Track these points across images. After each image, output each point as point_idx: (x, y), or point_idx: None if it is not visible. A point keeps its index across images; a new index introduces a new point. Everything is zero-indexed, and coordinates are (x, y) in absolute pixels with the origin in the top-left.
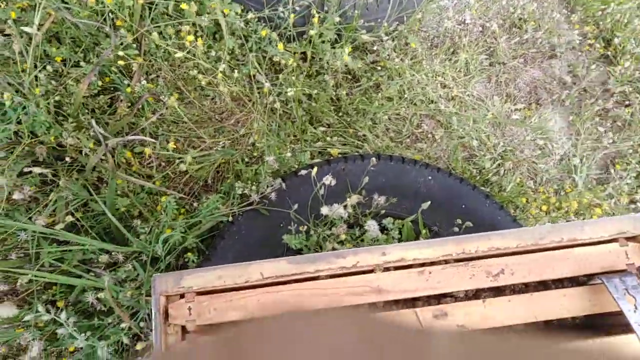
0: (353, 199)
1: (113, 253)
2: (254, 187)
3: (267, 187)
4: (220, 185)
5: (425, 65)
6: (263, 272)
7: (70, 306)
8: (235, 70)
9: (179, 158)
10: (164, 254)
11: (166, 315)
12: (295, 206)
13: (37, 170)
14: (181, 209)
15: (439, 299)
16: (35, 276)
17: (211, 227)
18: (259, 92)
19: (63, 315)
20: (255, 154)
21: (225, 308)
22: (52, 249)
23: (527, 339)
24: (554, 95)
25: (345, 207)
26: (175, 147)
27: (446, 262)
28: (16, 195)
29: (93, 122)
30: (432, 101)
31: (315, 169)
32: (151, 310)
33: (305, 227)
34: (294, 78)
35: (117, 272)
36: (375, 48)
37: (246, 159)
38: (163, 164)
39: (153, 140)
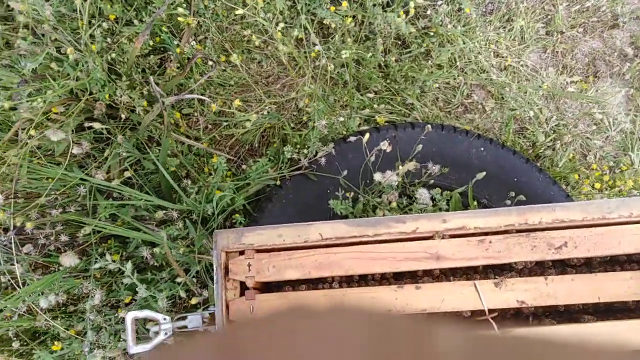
0: (410, 165)
1: (167, 210)
2: (304, 151)
3: (316, 152)
4: (265, 149)
5: (479, 33)
6: (322, 233)
7: (124, 261)
8: (285, 33)
9: (226, 121)
10: (217, 212)
11: (226, 270)
12: (345, 172)
13: (97, 125)
14: (228, 172)
15: (498, 272)
16: (97, 228)
17: (257, 190)
18: (306, 56)
19: (129, 266)
20: (302, 119)
21: (284, 266)
22: (109, 203)
23: (537, 337)
24: (614, 67)
25: (397, 174)
26: (222, 110)
27: (507, 232)
28: (75, 150)
29: (151, 79)
30: (483, 70)
31: (368, 135)
32: (203, 267)
33: (352, 193)
34: (342, 43)
35: (169, 229)
36: (428, 13)
37: (291, 125)
38: (210, 126)
39: (209, 99)
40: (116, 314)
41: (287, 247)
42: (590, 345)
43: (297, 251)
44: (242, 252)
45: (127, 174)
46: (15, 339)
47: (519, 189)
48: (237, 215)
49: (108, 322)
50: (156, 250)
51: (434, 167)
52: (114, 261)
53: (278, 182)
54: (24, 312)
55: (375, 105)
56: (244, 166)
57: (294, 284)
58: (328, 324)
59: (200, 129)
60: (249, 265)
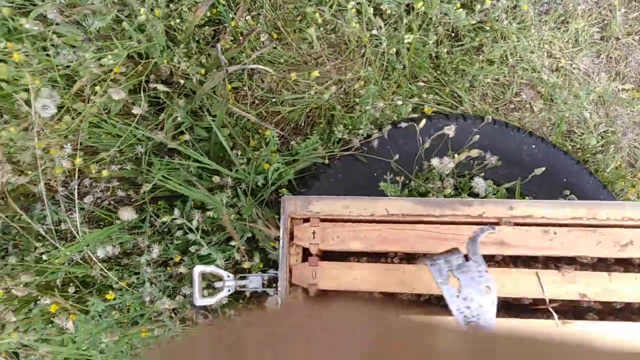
0: (473, 152)
1: (222, 176)
2: (359, 132)
3: (368, 134)
4: (310, 129)
5: (533, 32)
6: (388, 208)
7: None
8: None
9: (273, 97)
10: (270, 183)
11: (290, 236)
12: (396, 156)
13: (161, 87)
14: (274, 147)
15: (558, 264)
16: (155, 186)
17: (302, 168)
18: (357, 41)
19: (195, 222)
20: (349, 101)
21: (348, 237)
22: (165, 163)
23: (539, 337)
24: None
25: (454, 161)
26: (270, 87)
27: (572, 225)
28: (135, 110)
29: (219, 46)
30: (535, 70)
31: (424, 121)
32: (252, 234)
33: (402, 178)
34: (394, 30)
35: (221, 195)
36: (485, 7)
37: (338, 107)
38: (257, 101)
39: (272, 71)
40: (165, 271)
41: (352, 219)
42: (594, 346)
43: (362, 224)
44: (306, 220)
45: (185, 136)
46: (71, 284)
47: (568, 189)
48: (283, 189)
49: (158, 278)
50: (209, 213)
51: (491, 158)
52: (180, 217)
53: (326, 161)
54: (80, 260)
55: (424, 95)
56: (292, 142)
57: (357, 256)
58: (329, 323)
59: (247, 103)
60: (314, 232)
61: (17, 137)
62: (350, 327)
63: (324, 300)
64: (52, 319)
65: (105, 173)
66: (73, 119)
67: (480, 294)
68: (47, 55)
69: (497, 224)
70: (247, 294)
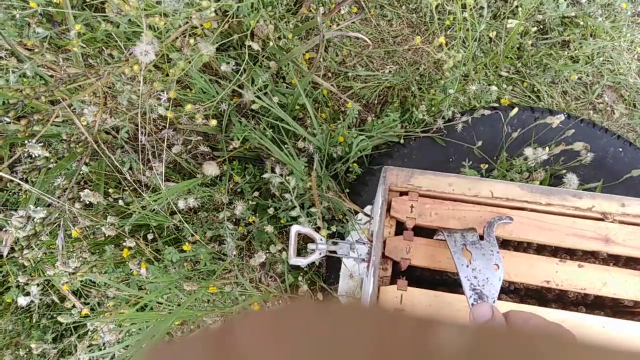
0: (577, 145)
1: (306, 142)
2: (443, 114)
3: (449, 118)
4: (381, 107)
5: (626, 32)
6: (493, 190)
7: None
8: None
9: (348, 72)
10: (353, 152)
11: (388, 208)
12: (479, 143)
13: (255, 46)
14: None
15: None
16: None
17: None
18: (439, 23)
19: (292, 182)
20: (424, 83)
21: (447, 216)
22: (244, 124)
23: (543, 335)
24: None
25: (548, 153)
26: (344, 62)
27: None
28: (224, 67)
29: (320, 10)
30: (621, 72)
31: (516, 109)
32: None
33: (486, 165)
34: (479, 17)
35: (300, 161)
36: (582, 0)
37: (413, 88)
38: (329, 74)
39: (367, 39)
40: (237, 230)
41: (454, 197)
42: (598, 345)
43: (462, 203)
44: (404, 193)
45: (275, 99)
46: (150, 231)
47: None
48: (354, 164)
49: (233, 236)
50: (289, 178)
51: (587, 155)
52: (280, 175)
53: (402, 141)
54: (160, 209)
55: (503, 86)
56: (368, 118)
57: None
58: (331, 322)
59: (320, 75)
60: (412, 206)
61: (117, 79)
62: (353, 328)
63: (325, 301)
64: (123, 264)
65: (214, 122)
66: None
67: (489, 269)
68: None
69: (601, 219)
70: (316, 262)
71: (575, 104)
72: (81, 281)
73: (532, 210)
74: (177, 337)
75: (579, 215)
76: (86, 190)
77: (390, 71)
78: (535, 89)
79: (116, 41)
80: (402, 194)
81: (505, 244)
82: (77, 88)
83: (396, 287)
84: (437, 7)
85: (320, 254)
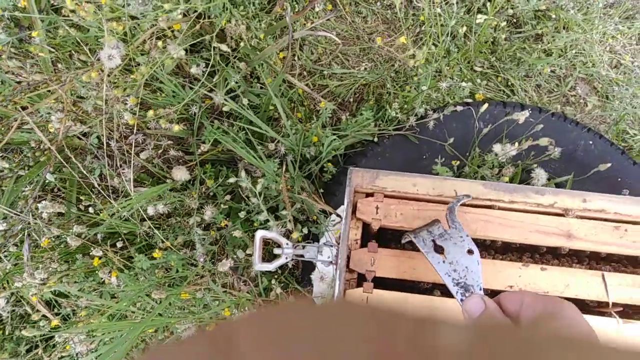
0: (542, 141)
1: (277, 144)
2: (415, 111)
3: (421, 115)
4: (356, 106)
5: (598, 24)
6: (457, 189)
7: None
8: None
9: (323, 70)
10: (324, 152)
11: (354, 209)
12: (451, 140)
13: (224, 47)
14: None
15: (631, 265)
16: (211, 147)
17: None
18: (413, 19)
19: (259, 187)
20: (399, 80)
21: (412, 216)
22: (215, 127)
23: (544, 333)
24: None
25: (517, 149)
26: (319, 60)
27: None
28: (193, 69)
29: (289, 8)
30: (594, 64)
31: (486, 105)
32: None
33: (458, 163)
34: (451, 11)
35: (271, 163)
36: None
37: (388, 85)
38: (304, 73)
39: (336, 38)
40: (208, 235)
41: (418, 197)
42: (600, 343)
43: (427, 203)
44: (370, 194)
45: (244, 100)
46: (120, 239)
47: (622, 189)
48: (329, 164)
49: (203, 242)
50: (261, 180)
51: (555, 150)
52: (254, 177)
53: (376, 139)
54: (129, 216)
55: (477, 81)
56: (343, 117)
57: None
58: (329, 322)
59: (295, 74)
60: (377, 207)
61: (81, 85)
62: (351, 326)
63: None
64: (94, 273)
65: (176, 128)
66: (150, 68)
67: (464, 256)
68: (119, 5)
69: (562, 215)
70: (289, 265)
71: (549, 97)
72: (53, 292)
73: (494, 208)
74: (177, 339)
75: (542, 212)
76: (44, 202)
77: (365, 68)
78: (510, 83)
79: (87, 45)
80: (368, 195)
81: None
82: (40, 95)
83: (362, 289)
84: (410, 2)
85: (286, 258)
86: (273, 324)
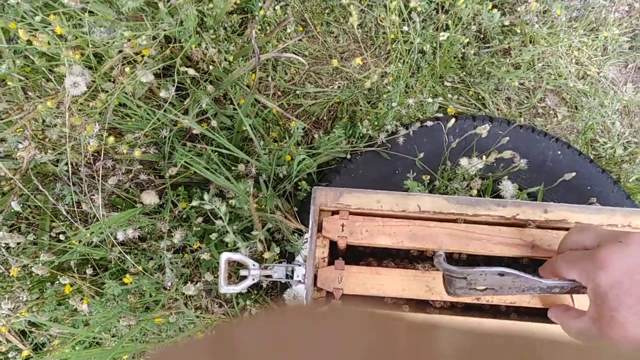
0: (505, 154)
1: (247, 165)
2: (382, 128)
3: (392, 131)
4: (331, 123)
5: (563, 37)
6: (421, 205)
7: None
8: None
9: (297, 89)
10: (294, 174)
11: (319, 228)
12: (421, 155)
13: (191, 72)
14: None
15: None
16: (171, 173)
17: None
18: (383, 37)
19: (223, 208)
20: (372, 98)
21: (377, 232)
22: (188, 149)
23: (542, 337)
24: None
25: (484, 162)
26: (292, 80)
27: None
28: (162, 94)
29: (253, 32)
30: (561, 76)
31: (454, 120)
32: (278, 224)
33: (428, 177)
34: (422, 29)
35: (242, 184)
36: (518, 9)
37: (360, 103)
38: (279, 93)
39: (302, 60)
40: (182, 258)
41: (383, 214)
42: (599, 347)
43: (392, 219)
44: (336, 212)
45: (212, 122)
46: (88, 266)
47: (590, 197)
48: (303, 182)
49: (175, 265)
50: (232, 202)
51: (521, 161)
52: (209, 202)
53: (348, 156)
54: (99, 242)
55: (448, 95)
56: (316, 135)
57: (378, 258)
58: (328, 325)
59: (269, 94)
60: (343, 225)
61: (46, 113)
62: (351, 330)
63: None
64: (66, 300)
65: (137, 154)
66: (107, 97)
67: (501, 279)
68: (82, 33)
69: (523, 225)
70: (264, 284)
71: (519, 109)
72: (26, 321)
73: (457, 221)
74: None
75: (505, 224)
76: (1, 233)
77: (339, 87)
78: (481, 97)
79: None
80: (334, 213)
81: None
82: (8, 123)
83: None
84: (380, 22)
85: (253, 279)
86: (274, 326)
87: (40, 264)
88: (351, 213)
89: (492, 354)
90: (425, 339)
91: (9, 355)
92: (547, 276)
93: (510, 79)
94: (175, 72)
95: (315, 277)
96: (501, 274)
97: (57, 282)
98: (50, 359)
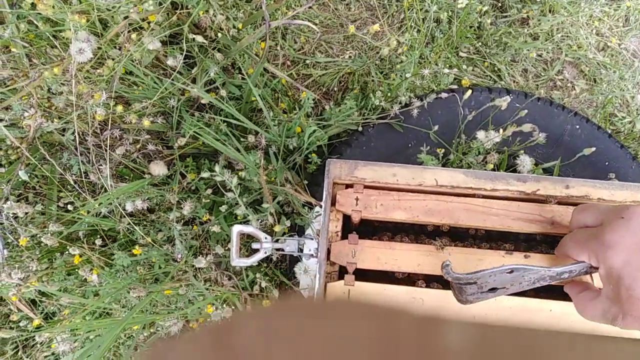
0: (525, 127)
1: (257, 136)
2: (395, 100)
3: (406, 103)
4: (342, 95)
5: (584, 7)
6: (438, 179)
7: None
8: None
9: (307, 59)
10: (305, 144)
11: (332, 201)
12: (436, 127)
13: (200, 39)
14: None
15: None
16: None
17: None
18: (397, 4)
19: (235, 180)
20: (384, 68)
21: (392, 206)
22: (197, 118)
23: (547, 332)
24: None
25: (501, 136)
26: (302, 49)
27: None
28: (170, 62)
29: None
30: (580, 47)
31: (470, 92)
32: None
33: (443, 150)
34: None
35: (252, 155)
36: None
37: (372, 73)
38: (288, 62)
39: (313, 26)
40: (191, 230)
41: (399, 187)
42: (607, 343)
43: (407, 193)
44: (350, 186)
45: (221, 92)
46: (98, 237)
47: (609, 173)
48: (314, 155)
49: (184, 237)
50: (242, 174)
51: (539, 135)
52: (220, 174)
53: (360, 129)
54: (107, 213)
55: (463, 66)
56: (327, 107)
57: (393, 232)
58: (331, 320)
59: (278, 64)
60: (357, 199)
61: (52, 80)
62: (354, 325)
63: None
64: (75, 270)
65: (146, 123)
66: (114, 64)
67: (510, 276)
68: None
69: (544, 201)
70: (274, 257)
71: (536, 82)
72: (37, 291)
73: (475, 196)
74: (178, 337)
75: (525, 199)
76: (9, 203)
77: (350, 56)
78: (496, 69)
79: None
80: (347, 186)
81: (453, 232)
82: (13, 90)
83: (343, 282)
84: None
85: (265, 253)
86: (276, 318)
87: (49, 234)
88: (366, 187)
89: (501, 351)
90: (431, 334)
91: (20, 324)
92: (561, 257)
93: (528, 50)
94: (184, 40)
95: (329, 250)
96: (511, 271)
97: (67, 252)
98: (61, 328)
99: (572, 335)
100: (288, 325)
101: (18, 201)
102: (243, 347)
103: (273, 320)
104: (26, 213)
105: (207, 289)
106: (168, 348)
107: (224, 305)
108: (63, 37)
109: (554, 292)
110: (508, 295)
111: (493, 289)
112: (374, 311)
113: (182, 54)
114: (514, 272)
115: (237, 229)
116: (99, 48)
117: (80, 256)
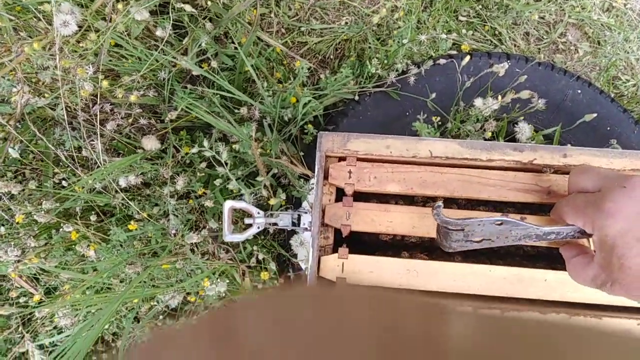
0: (523, 94)
1: (250, 108)
2: (392, 67)
3: (403, 70)
4: (338, 62)
5: None
6: (432, 150)
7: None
8: None
9: (301, 26)
10: (300, 115)
11: (325, 175)
12: (433, 95)
13: (188, 8)
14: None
15: None
16: (176, 116)
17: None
18: None
19: (224, 155)
20: (381, 34)
21: (386, 179)
22: (190, 91)
23: (557, 321)
24: None
25: (499, 103)
26: (297, 15)
27: None
28: (159, 33)
29: None
30: (584, 8)
31: (468, 58)
32: (281, 169)
33: (438, 119)
34: None
35: (246, 127)
36: None
37: (369, 40)
38: (282, 30)
39: None
40: (186, 204)
41: (392, 159)
42: (615, 333)
43: (402, 165)
44: (343, 158)
45: (212, 63)
46: (93, 213)
47: (611, 139)
48: (309, 125)
49: (180, 211)
50: (235, 146)
51: (539, 101)
52: (210, 148)
53: (356, 98)
54: (102, 189)
55: (463, 31)
56: (322, 76)
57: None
58: (334, 308)
59: (273, 32)
60: (350, 172)
61: (36, 55)
62: (356, 311)
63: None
64: (73, 246)
65: (133, 98)
66: (98, 36)
67: (499, 228)
68: None
69: (539, 171)
70: (271, 230)
71: (538, 45)
72: (36, 267)
73: (471, 167)
74: (175, 327)
75: (521, 169)
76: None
77: (346, 22)
78: (497, 32)
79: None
80: (340, 159)
81: (449, 202)
82: None
83: (337, 255)
84: None
85: (258, 227)
86: (274, 305)
87: (43, 212)
88: (359, 159)
89: (507, 342)
90: (436, 323)
91: (20, 300)
92: (556, 219)
93: (530, 12)
94: (170, 9)
95: (323, 213)
96: (500, 223)
97: (62, 229)
98: (62, 303)
99: (582, 328)
100: (289, 313)
101: (15, 177)
102: (242, 337)
103: (273, 309)
104: (22, 190)
105: (204, 263)
106: (166, 338)
107: (221, 278)
108: (44, 10)
109: (542, 259)
110: (501, 265)
111: (479, 240)
112: (376, 299)
113: (170, 24)
114: (503, 224)
115: (228, 204)
116: (85, 20)
117: (77, 232)
